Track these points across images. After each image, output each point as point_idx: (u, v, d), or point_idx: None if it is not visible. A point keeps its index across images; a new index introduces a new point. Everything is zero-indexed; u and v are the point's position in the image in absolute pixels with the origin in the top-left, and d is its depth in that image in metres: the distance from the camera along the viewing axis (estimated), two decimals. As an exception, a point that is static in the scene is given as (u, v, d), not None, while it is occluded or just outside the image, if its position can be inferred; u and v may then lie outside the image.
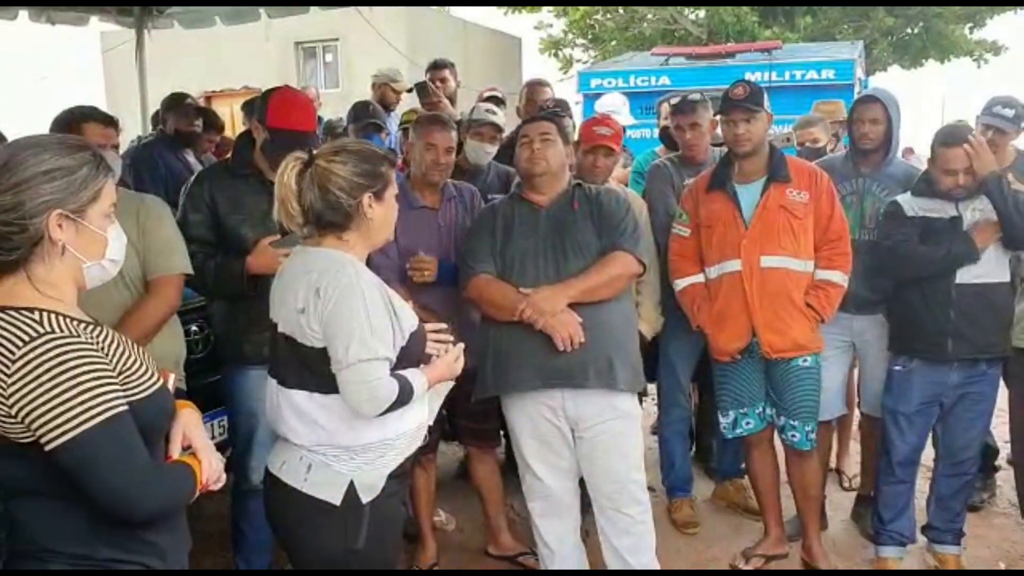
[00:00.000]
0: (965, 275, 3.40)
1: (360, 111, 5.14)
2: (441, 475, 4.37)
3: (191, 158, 5.46)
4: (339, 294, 2.15)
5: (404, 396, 2.21)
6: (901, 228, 3.51)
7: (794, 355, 3.49)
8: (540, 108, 4.67)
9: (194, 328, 3.53)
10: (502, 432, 3.74)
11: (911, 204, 3.51)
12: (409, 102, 6.01)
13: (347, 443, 2.24)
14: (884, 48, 20.02)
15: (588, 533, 3.54)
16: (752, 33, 19.01)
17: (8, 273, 1.63)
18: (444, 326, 2.51)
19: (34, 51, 16.91)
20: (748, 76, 11.34)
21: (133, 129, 7.06)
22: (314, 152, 2.25)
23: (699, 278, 3.64)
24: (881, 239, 3.63)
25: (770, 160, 3.54)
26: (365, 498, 2.26)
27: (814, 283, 3.49)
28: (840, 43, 15.53)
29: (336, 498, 2.23)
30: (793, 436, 3.59)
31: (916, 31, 20.71)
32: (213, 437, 3.53)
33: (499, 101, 5.07)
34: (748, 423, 3.66)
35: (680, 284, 3.69)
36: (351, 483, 2.24)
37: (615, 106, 5.81)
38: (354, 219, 2.25)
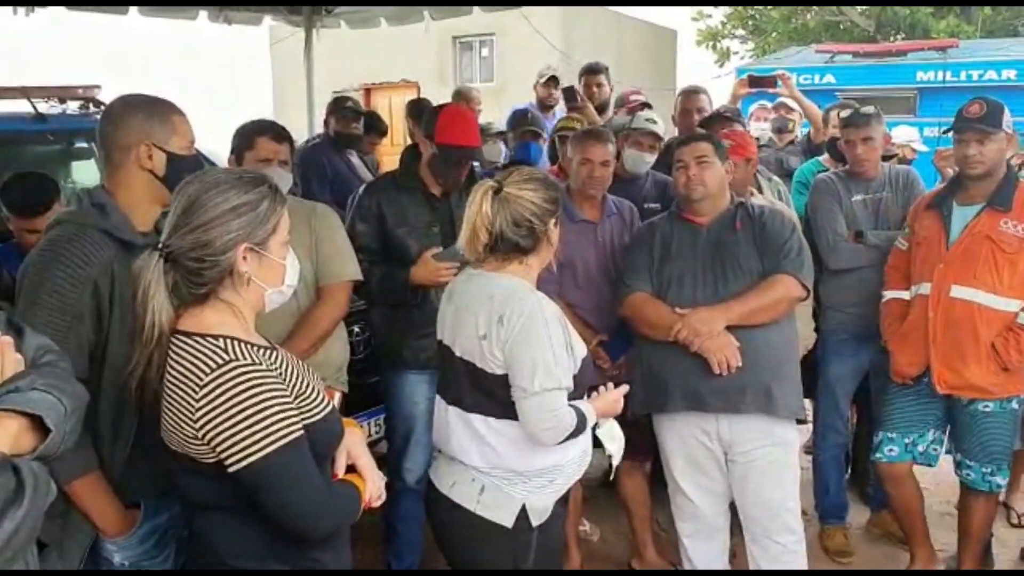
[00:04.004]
0: None
1: (519, 119, 5.18)
2: (586, 483, 4.37)
3: (355, 159, 5.66)
4: (524, 322, 2.19)
5: (581, 426, 2.25)
6: None
7: (970, 396, 3.30)
8: (698, 117, 4.55)
9: (356, 330, 3.67)
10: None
11: None
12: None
13: (518, 468, 2.30)
14: (1074, 40, 18.58)
15: (735, 554, 3.47)
16: (924, 26, 18.00)
17: (196, 302, 1.74)
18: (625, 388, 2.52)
19: (211, 46, 17.88)
20: (920, 76, 10.94)
21: (300, 121, 7.38)
22: (502, 180, 2.31)
23: (903, 294, 3.52)
24: None
25: (999, 185, 3.31)
26: (535, 521, 2.32)
27: (1012, 325, 3.24)
28: (1023, 39, 14.50)
29: (508, 520, 2.29)
30: (968, 475, 3.41)
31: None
32: (370, 435, 3.68)
33: (647, 106, 5.02)
34: (891, 450, 3.51)
35: (885, 296, 3.62)
36: (523, 506, 2.30)
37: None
38: (541, 243, 2.32)
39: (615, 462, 2.50)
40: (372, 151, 6.10)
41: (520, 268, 2.33)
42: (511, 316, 2.20)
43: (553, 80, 5.92)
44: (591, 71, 5.71)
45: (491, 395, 2.27)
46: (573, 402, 2.27)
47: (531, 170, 2.44)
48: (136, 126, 2.14)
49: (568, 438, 2.23)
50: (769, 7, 21.35)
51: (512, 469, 2.29)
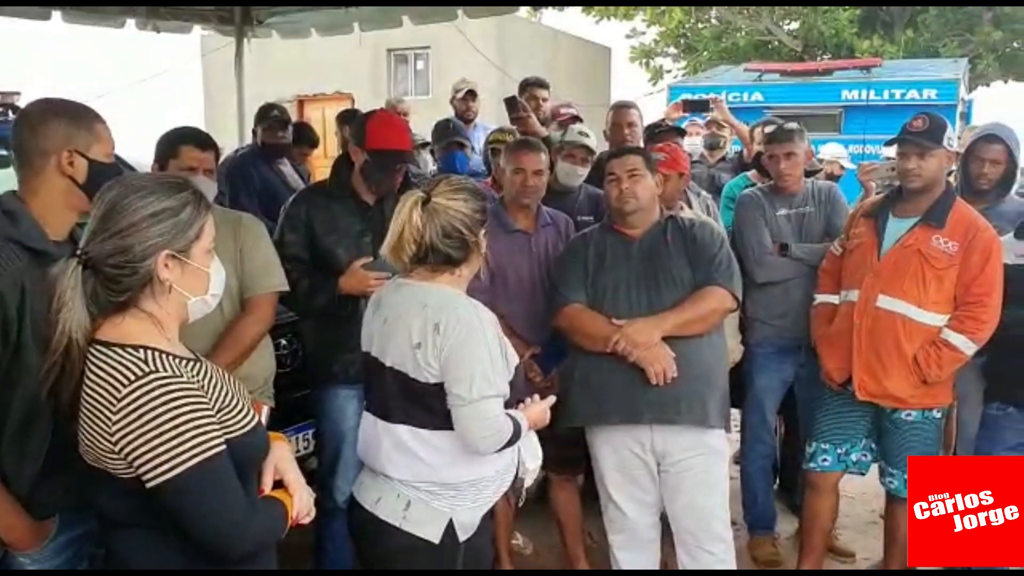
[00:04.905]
0: None
1: (442, 130, 5.08)
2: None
3: (286, 168, 5.56)
4: (461, 330, 2.16)
5: (516, 435, 2.23)
6: None
7: (892, 405, 3.36)
8: (629, 132, 4.58)
9: (284, 343, 3.58)
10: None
11: (1011, 249, 3.33)
12: (495, 115, 6.00)
13: (447, 480, 2.25)
14: (990, 63, 19.22)
15: (666, 564, 3.49)
16: (850, 45, 18.52)
17: (118, 311, 1.68)
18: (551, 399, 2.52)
19: (136, 53, 17.50)
20: (845, 94, 11.26)
21: (231, 133, 7.25)
22: (430, 191, 2.27)
23: (832, 298, 3.57)
24: None
25: (936, 201, 3.35)
26: (462, 536, 2.28)
27: (934, 339, 3.28)
28: (943, 60, 15.01)
29: (435, 536, 2.24)
30: (891, 482, 3.47)
31: (1024, 45, 19.87)
32: (299, 451, 3.60)
33: (577, 119, 5.03)
34: (825, 460, 3.56)
35: (816, 299, 3.67)
36: (450, 521, 2.26)
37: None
38: (472, 253, 2.29)
39: (529, 482, 2.47)
40: (303, 162, 6.02)
41: (452, 278, 2.30)
42: (448, 324, 2.16)
43: (471, 94, 5.93)
44: (537, 84, 5.66)
45: (423, 405, 2.23)
46: (508, 411, 2.25)
47: (458, 179, 2.40)
48: (58, 131, 2.08)
49: (504, 447, 2.21)
50: (702, 25, 21.74)
51: (442, 482, 2.25)
